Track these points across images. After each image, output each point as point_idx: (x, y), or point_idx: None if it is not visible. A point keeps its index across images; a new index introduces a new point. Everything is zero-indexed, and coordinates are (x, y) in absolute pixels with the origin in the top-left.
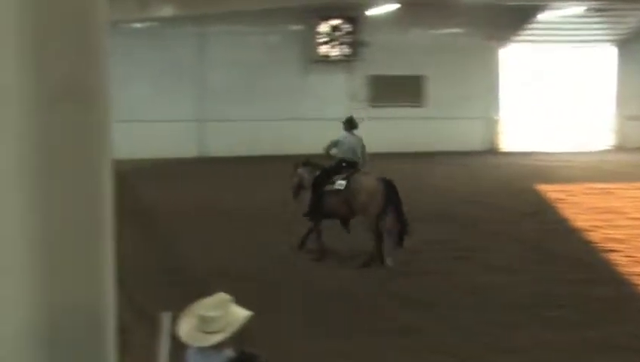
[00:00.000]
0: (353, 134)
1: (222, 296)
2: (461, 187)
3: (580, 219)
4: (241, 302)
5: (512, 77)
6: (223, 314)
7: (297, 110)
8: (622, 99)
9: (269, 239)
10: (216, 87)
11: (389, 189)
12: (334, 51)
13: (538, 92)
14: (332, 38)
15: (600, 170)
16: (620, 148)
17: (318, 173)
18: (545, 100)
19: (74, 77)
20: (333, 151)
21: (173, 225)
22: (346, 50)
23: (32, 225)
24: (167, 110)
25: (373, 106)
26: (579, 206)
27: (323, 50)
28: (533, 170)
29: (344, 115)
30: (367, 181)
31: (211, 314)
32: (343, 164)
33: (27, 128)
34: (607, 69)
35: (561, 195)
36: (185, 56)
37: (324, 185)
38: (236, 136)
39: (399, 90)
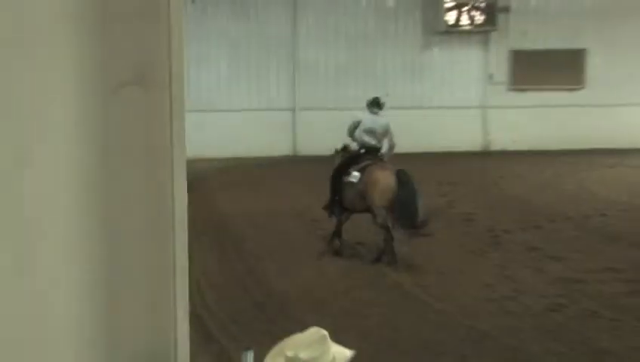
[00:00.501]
0: (377, 115)
1: (317, 332)
2: None
3: None
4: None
5: None
6: (319, 354)
7: (417, 96)
8: None
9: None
10: (311, 68)
11: (402, 184)
12: (465, 19)
13: None
14: (462, 1)
15: None
16: None
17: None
18: None
19: (142, 57)
20: (356, 133)
21: (256, 240)
22: (481, 17)
23: (86, 239)
24: (252, 97)
25: (517, 90)
26: None
27: (451, 17)
28: None
29: (479, 101)
30: (382, 175)
31: (304, 355)
32: (362, 151)
33: (84, 118)
34: None
35: None
36: (274, 29)
37: (343, 176)
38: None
39: (552, 68)
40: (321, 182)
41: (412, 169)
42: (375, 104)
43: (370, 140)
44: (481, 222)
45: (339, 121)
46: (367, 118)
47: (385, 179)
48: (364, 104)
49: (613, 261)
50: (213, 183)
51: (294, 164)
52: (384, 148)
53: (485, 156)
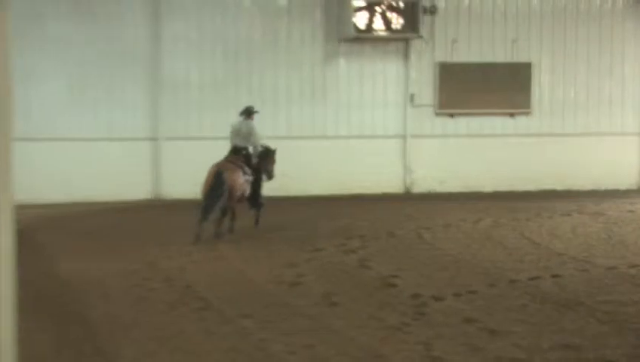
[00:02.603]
0: (246, 120)
1: None
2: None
3: None
4: None
5: None
6: None
7: (318, 122)
8: None
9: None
10: (179, 85)
11: (215, 177)
12: (380, 22)
13: None
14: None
15: None
16: None
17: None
18: None
19: None
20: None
21: (107, 313)
22: (400, 20)
23: None
24: (100, 122)
25: (446, 114)
26: None
27: (361, 20)
28: None
29: (397, 129)
30: (211, 169)
31: None
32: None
33: None
34: None
35: None
36: (130, 34)
37: None
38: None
39: (489, 87)
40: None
41: (311, 215)
42: (245, 111)
43: (237, 141)
44: (403, 286)
45: (214, 153)
46: (236, 122)
47: (209, 173)
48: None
49: (569, 335)
50: (50, 238)
51: (155, 211)
52: (251, 149)
53: (407, 200)
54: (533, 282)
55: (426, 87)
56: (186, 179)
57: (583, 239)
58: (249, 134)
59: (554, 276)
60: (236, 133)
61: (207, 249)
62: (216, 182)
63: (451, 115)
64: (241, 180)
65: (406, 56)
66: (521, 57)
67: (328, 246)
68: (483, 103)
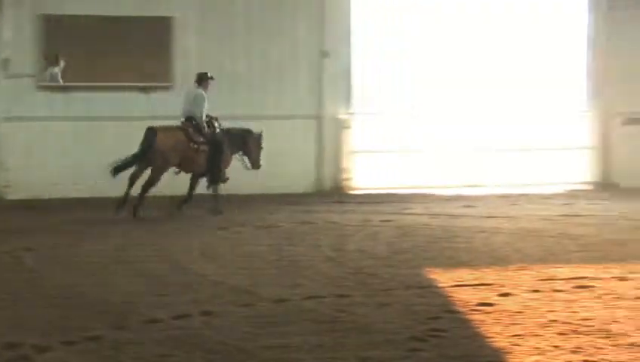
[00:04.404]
0: (196, 88)
1: None
2: None
3: None
4: None
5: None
6: None
7: None
8: None
9: None
10: None
11: (145, 136)
12: None
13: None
14: None
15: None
16: None
17: None
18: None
19: None
20: None
21: None
22: None
23: None
24: None
25: (54, 90)
26: None
27: None
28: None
29: None
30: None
31: None
32: (182, 120)
33: None
34: None
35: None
36: None
37: None
38: None
39: (117, 51)
40: None
41: None
42: (198, 78)
43: (187, 112)
44: None
45: None
46: (185, 91)
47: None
48: None
49: None
50: None
51: None
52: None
53: None
54: (178, 322)
55: (23, 49)
56: None
57: (246, 261)
58: (194, 105)
59: (205, 313)
60: (185, 101)
61: None
62: (145, 141)
63: (62, 90)
64: (180, 146)
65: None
66: (159, 10)
67: None
68: (105, 74)
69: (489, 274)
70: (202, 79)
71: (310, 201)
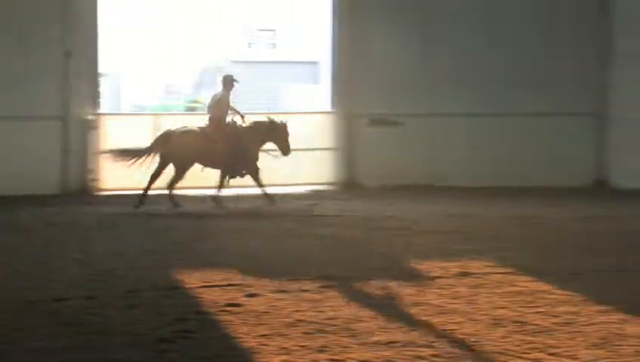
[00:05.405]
0: (221, 91)
1: None
2: None
3: None
4: None
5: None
6: None
7: None
8: None
9: None
10: None
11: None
12: None
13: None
14: None
15: None
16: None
17: None
18: None
19: None
20: None
21: None
22: None
23: None
24: None
25: None
26: None
27: None
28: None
29: None
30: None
31: None
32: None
33: None
34: None
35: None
36: None
37: None
38: None
39: None
40: None
41: None
42: (223, 81)
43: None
44: None
45: None
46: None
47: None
48: None
49: None
50: None
51: None
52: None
53: None
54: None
55: None
56: None
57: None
58: (216, 105)
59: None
60: (211, 102)
61: None
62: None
63: None
64: (195, 144)
65: None
66: None
67: None
68: None
69: (237, 275)
70: (227, 82)
71: (55, 202)
